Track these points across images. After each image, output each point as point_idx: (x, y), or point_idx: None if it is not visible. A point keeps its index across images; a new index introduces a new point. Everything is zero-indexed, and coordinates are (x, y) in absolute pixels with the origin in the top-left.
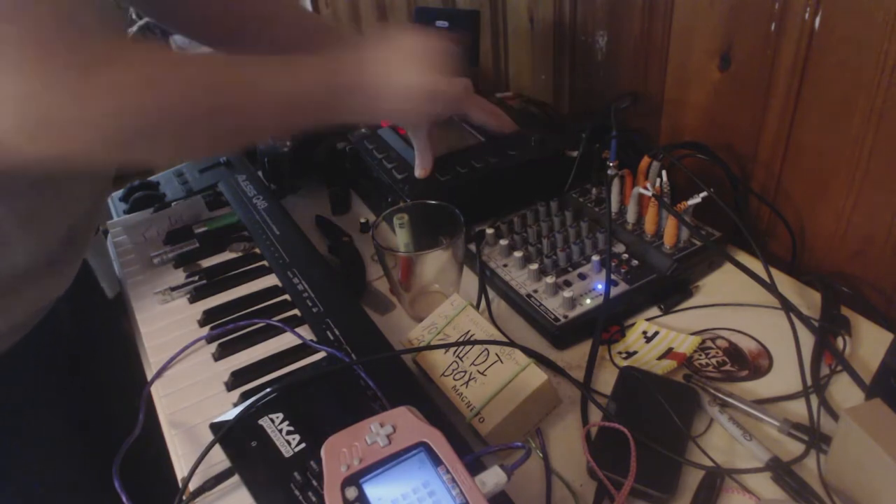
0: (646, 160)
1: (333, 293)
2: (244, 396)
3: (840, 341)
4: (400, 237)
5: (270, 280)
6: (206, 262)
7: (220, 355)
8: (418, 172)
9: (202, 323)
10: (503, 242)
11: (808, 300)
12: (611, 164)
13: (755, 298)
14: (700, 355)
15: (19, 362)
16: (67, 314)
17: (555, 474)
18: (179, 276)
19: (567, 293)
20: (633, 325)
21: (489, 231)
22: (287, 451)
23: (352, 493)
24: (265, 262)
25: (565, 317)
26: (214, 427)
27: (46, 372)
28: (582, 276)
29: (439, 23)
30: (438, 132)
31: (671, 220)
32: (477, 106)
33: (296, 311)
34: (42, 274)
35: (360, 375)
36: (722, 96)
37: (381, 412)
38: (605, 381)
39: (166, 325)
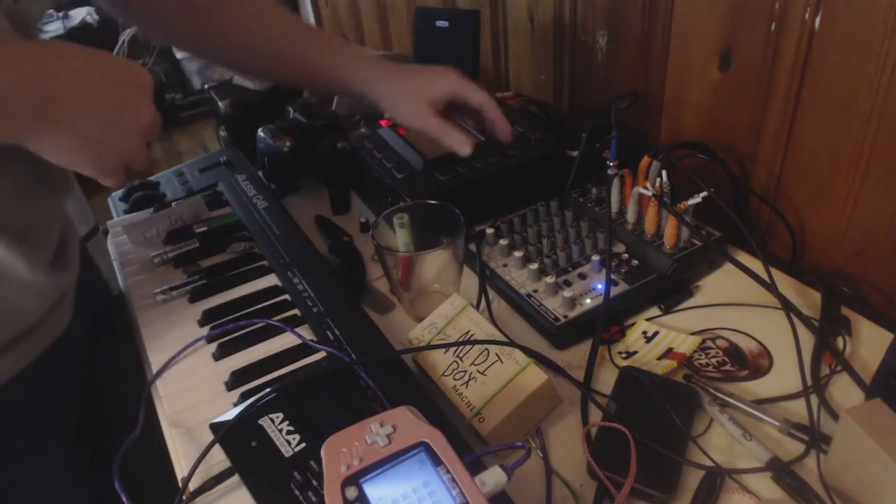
0: (646, 160)
1: (333, 293)
2: (244, 396)
3: (840, 341)
4: (400, 237)
5: (270, 280)
6: (206, 262)
7: (220, 355)
8: (466, 150)
9: (202, 323)
10: (503, 242)
11: (808, 300)
12: (611, 164)
13: (755, 298)
14: (700, 355)
15: (27, 389)
16: (77, 339)
17: (555, 474)
18: (179, 276)
19: (567, 293)
20: (633, 325)
21: (489, 231)
22: (287, 451)
23: (352, 493)
24: (265, 262)
25: (565, 317)
26: (214, 427)
27: (56, 399)
28: (582, 276)
29: (439, 23)
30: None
31: (671, 220)
32: (473, 87)
33: (296, 311)
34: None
35: (360, 375)
36: (722, 96)
37: (381, 412)
38: (605, 381)
39: (166, 325)
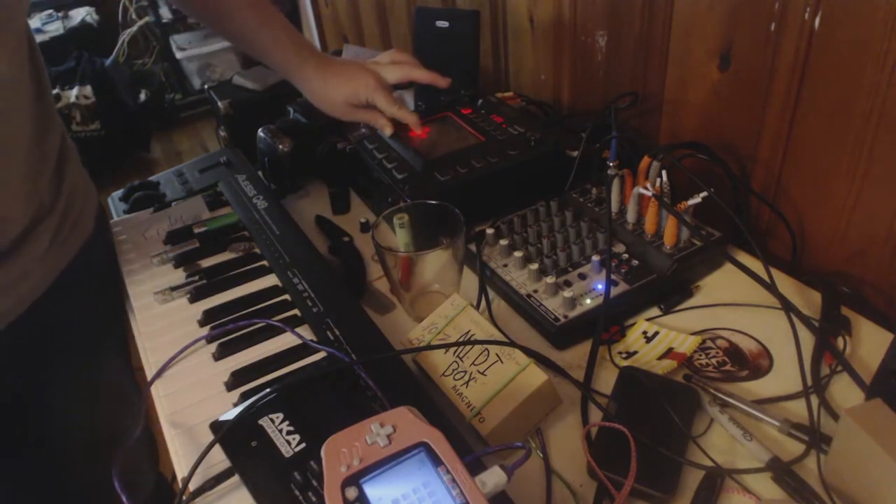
0: (646, 160)
1: (333, 293)
2: (244, 396)
3: (840, 341)
4: (400, 237)
5: (270, 280)
6: (206, 262)
7: (220, 355)
8: (387, 131)
9: (202, 323)
10: (503, 242)
11: (808, 300)
12: (611, 164)
13: (755, 298)
14: (700, 355)
15: None
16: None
17: (555, 474)
18: (179, 276)
19: (567, 293)
20: (633, 325)
21: (489, 231)
22: (287, 451)
23: (352, 493)
24: (265, 262)
25: (565, 317)
26: (214, 427)
27: None
28: (582, 276)
29: (439, 23)
30: (438, 132)
31: (671, 220)
32: (390, 70)
33: (296, 311)
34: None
35: (360, 375)
36: (722, 96)
37: (381, 412)
38: (605, 381)
39: (166, 325)
